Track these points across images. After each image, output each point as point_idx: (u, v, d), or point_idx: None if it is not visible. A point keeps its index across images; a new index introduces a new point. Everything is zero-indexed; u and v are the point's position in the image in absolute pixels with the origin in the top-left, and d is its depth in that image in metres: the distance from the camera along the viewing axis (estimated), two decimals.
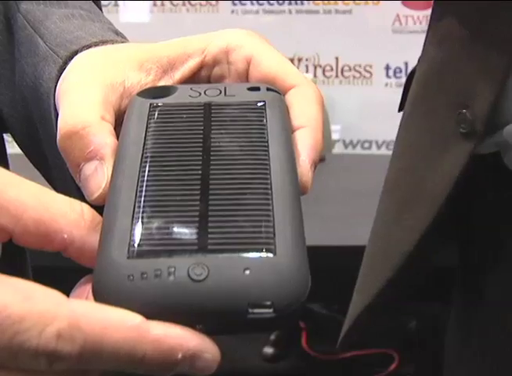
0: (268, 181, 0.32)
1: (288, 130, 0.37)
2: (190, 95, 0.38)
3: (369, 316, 0.72)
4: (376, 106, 2.21)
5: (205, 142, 0.35)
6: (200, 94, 0.38)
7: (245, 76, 0.40)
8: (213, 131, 0.35)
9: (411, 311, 1.79)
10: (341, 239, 1.40)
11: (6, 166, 0.55)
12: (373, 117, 2.22)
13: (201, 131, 0.35)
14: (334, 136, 2.14)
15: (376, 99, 2.22)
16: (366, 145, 2.27)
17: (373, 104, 2.22)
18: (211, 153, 0.34)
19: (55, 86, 0.42)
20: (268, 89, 0.39)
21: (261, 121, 0.36)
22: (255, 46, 0.41)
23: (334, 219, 1.48)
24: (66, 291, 0.32)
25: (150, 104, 0.37)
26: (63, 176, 0.43)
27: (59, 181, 0.45)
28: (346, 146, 2.28)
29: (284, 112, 0.38)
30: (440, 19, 0.65)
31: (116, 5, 2.18)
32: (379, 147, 2.28)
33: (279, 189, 0.32)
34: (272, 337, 1.92)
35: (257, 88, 0.39)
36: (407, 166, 0.70)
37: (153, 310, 0.28)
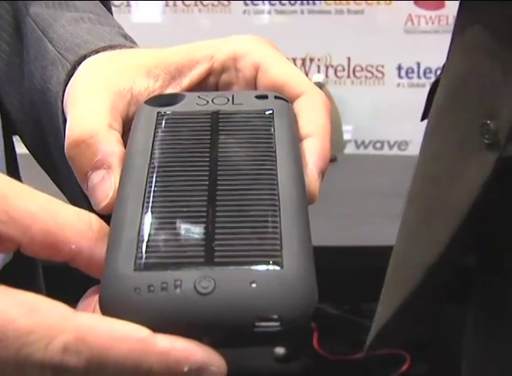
0: (276, 192, 0.32)
1: (296, 139, 0.36)
2: (198, 104, 0.38)
3: (394, 327, 0.72)
4: (388, 106, 2.21)
5: (212, 151, 0.35)
6: (208, 102, 0.38)
7: (253, 83, 0.40)
8: (220, 140, 0.35)
9: None
10: (353, 239, 1.40)
11: (16, 167, 0.55)
12: (385, 117, 2.22)
13: (208, 140, 0.35)
14: (346, 136, 2.14)
15: (388, 99, 2.22)
16: (378, 145, 2.27)
17: (385, 104, 2.22)
18: (218, 163, 0.34)
19: (64, 91, 0.42)
20: (276, 97, 0.38)
21: (269, 129, 0.36)
22: (263, 53, 0.40)
23: (346, 219, 1.48)
24: (77, 291, 0.32)
25: (158, 112, 0.37)
26: (70, 181, 0.43)
27: (66, 185, 0.45)
28: (358, 147, 2.28)
29: (292, 120, 0.37)
30: (465, 28, 0.65)
31: (128, 5, 2.19)
32: (391, 148, 2.27)
33: (286, 200, 0.32)
34: None
35: (265, 97, 0.38)
36: (431, 176, 0.69)
37: (160, 323, 0.28)
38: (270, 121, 0.36)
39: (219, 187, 0.32)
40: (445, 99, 0.68)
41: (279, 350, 1.87)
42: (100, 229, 0.31)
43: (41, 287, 0.57)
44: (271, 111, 0.37)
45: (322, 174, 0.36)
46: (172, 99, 0.38)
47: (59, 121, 0.42)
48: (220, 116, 0.37)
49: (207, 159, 0.34)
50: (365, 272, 1.52)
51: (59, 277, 0.69)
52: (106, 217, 0.33)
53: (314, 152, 0.36)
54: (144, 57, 0.41)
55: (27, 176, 0.54)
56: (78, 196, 0.42)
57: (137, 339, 0.27)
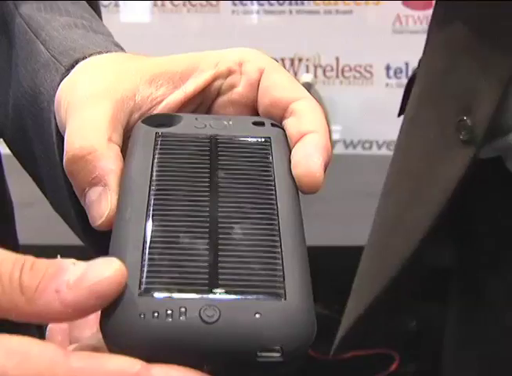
0: (276, 221, 0.33)
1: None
2: (196, 126, 0.38)
3: (364, 324, 0.72)
4: (376, 106, 2.21)
5: (212, 177, 0.35)
6: (206, 126, 0.39)
7: (256, 86, 0.41)
8: (219, 167, 0.36)
9: (411, 311, 1.79)
10: (342, 239, 1.40)
11: (0, 167, 0.55)
12: (374, 117, 2.22)
13: (208, 166, 0.36)
14: (335, 136, 2.14)
15: (376, 99, 2.22)
16: (367, 145, 2.27)
17: (374, 104, 2.22)
18: (219, 190, 0.34)
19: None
20: (272, 125, 0.39)
21: (267, 157, 0.37)
22: (267, 60, 0.42)
23: (335, 219, 1.48)
24: None
25: (156, 133, 0.37)
26: (53, 187, 0.43)
27: (49, 192, 0.45)
28: (346, 147, 2.28)
29: (288, 149, 0.38)
30: (443, 25, 0.65)
31: (116, 5, 2.18)
32: (379, 147, 2.28)
33: (286, 229, 0.32)
34: None
35: (262, 123, 0.39)
36: (406, 171, 0.70)
37: (164, 350, 0.28)
38: (268, 150, 0.38)
39: (220, 214, 0.33)
40: (422, 95, 0.68)
41: None
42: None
43: None
44: (268, 139, 0.38)
45: (325, 166, 0.38)
46: (169, 120, 0.39)
47: (50, 125, 0.41)
48: (218, 141, 0.38)
49: (207, 185, 0.35)
50: (353, 273, 1.52)
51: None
52: (104, 231, 0.34)
53: (318, 145, 0.38)
54: (148, 64, 0.41)
55: (12, 177, 0.54)
56: (62, 201, 0.41)
57: (131, 374, 0.27)
